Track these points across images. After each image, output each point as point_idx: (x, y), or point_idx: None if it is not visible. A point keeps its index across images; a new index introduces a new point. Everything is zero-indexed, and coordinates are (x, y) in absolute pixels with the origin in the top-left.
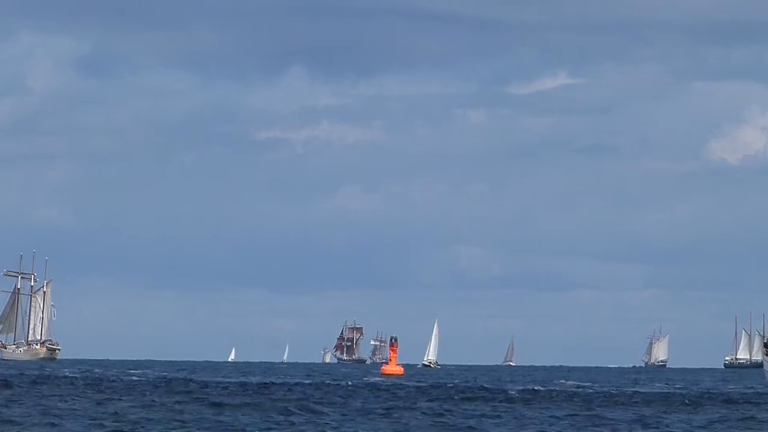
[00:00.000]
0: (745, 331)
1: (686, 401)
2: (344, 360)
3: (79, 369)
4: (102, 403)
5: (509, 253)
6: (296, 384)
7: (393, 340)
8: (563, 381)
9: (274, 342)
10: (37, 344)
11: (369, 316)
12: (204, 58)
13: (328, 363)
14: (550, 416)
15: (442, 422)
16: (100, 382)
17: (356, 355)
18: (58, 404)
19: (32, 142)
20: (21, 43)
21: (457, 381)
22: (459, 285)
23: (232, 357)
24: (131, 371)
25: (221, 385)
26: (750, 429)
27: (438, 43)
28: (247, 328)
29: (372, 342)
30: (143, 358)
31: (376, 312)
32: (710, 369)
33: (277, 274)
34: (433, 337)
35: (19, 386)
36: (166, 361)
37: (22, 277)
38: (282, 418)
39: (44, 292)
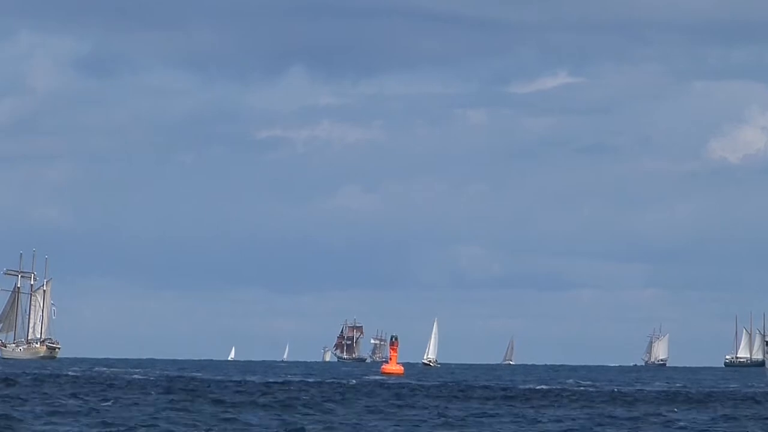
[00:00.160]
0: (746, 330)
1: (689, 399)
2: (344, 359)
3: (80, 368)
4: (106, 401)
5: (509, 253)
6: (299, 382)
7: (393, 339)
8: (566, 380)
9: (275, 342)
10: (37, 343)
11: (369, 316)
12: (204, 58)
13: (329, 362)
14: (553, 414)
15: (447, 421)
16: (103, 380)
17: (356, 354)
18: (63, 402)
19: (32, 142)
20: (21, 43)
21: (458, 379)
22: (459, 285)
23: (232, 356)
24: (133, 370)
25: (224, 384)
26: (751, 427)
27: (438, 43)
28: (247, 327)
29: (372, 341)
30: (144, 358)
31: (376, 312)
32: (710, 368)
33: (277, 274)
34: (432, 335)
35: (23, 385)
36: (167, 360)
37: (22, 276)
38: (288, 415)
39: (44, 290)
